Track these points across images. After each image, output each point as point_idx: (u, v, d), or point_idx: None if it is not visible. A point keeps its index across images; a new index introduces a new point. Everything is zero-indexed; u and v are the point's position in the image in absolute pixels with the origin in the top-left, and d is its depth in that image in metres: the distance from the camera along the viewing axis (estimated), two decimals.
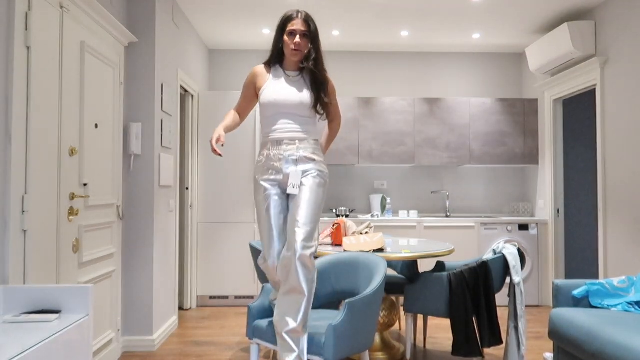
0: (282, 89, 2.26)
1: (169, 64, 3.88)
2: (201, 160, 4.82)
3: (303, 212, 2.13)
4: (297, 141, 2.23)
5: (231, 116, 2.37)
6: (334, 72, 5.94)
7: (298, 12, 2.27)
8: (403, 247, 3.15)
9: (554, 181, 4.87)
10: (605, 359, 2.21)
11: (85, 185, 2.73)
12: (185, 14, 4.36)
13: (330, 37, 5.02)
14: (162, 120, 3.64)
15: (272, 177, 2.23)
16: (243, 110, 2.41)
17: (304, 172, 2.21)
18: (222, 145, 2.17)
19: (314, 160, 2.25)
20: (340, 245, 3.23)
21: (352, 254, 2.80)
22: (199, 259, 4.80)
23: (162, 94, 3.64)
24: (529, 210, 5.28)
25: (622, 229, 3.84)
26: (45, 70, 2.31)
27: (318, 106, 2.29)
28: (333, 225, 3.32)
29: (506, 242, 4.82)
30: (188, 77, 4.44)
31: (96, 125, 2.90)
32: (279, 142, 2.23)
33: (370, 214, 5.17)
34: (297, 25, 2.23)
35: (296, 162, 2.22)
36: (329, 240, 3.35)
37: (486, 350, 3.43)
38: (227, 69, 5.47)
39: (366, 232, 3.41)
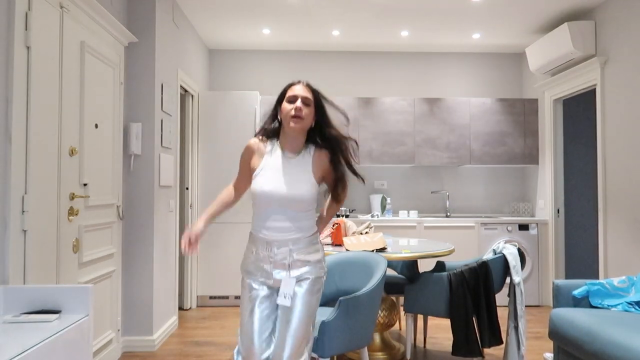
0: (276, 177, 1.90)
1: (169, 64, 3.87)
2: (201, 160, 4.82)
3: (293, 326, 1.87)
4: (289, 243, 1.88)
5: (223, 197, 2.06)
6: (334, 72, 5.96)
7: (300, 81, 1.98)
8: (403, 247, 3.15)
9: (554, 181, 4.87)
10: (605, 359, 2.21)
11: (85, 185, 2.73)
12: (185, 13, 4.36)
13: (330, 37, 5.02)
14: (162, 120, 3.64)
15: (262, 279, 1.93)
16: (241, 187, 2.08)
17: (297, 277, 1.89)
18: (197, 241, 1.89)
19: (309, 262, 1.91)
20: (340, 245, 3.23)
21: (356, 253, 2.81)
22: (199, 259, 4.80)
23: (162, 94, 3.64)
24: (529, 210, 5.28)
25: (622, 228, 3.84)
26: (45, 70, 2.31)
27: (326, 195, 2.02)
28: (333, 225, 3.32)
29: (506, 242, 4.81)
30: (188, 77, 4.44)
31: (96, 125, 2.90)
32: (269, 244, 1.89)
33: (370, 214, 5.17)
34: (298, 90, 1.92)
35: (289, 266, 1.89)
36: (329, 240, 3.36)
37: (486, 350, 3.43)
38: (227, 69, 5.47)
39: (366, 232, 3.41)
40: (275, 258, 1.89)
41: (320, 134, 1.96)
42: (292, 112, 1.87)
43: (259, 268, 1.92)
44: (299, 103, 1.87)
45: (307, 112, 1.89)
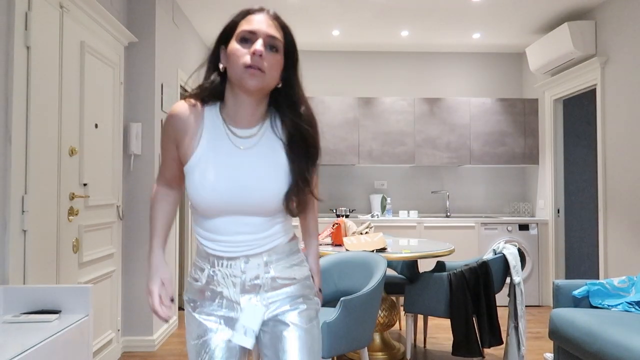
0: (225, 173, 1.16)
1: (169, 64, 3.87)
2: None
3: None
4: (263, 255, 1.21)
5: (161, 208, 1.33)
6: (334, 72, 5.97)
7: (262, 7, 1.20)
8: (403, 247, 3.15)
9: (554, 181, 4.87)
10: (605, 359, 2.21)
11: (85, 185, 2.73)
12: (185, 13, 4.36)
13: (330, 37, 5.02)
14: (162, 120, 3.64)
15: (221, 311, 1.21)
16: (174, 180, 1.31)
17: (279, 305, 1.23)
18: (172, 301, 1.27)
19: (294, 279, 1.25)
20: (340, 245, 3.23)
21: (355, 253, 2.80)
22: None
23: (162, 93, 3.64)
24: (529, 210, 5.28)
25: (622, 228, 3.84)
26: (45, 70, 2.31)
27: (294, 199, 1.20)
28: (333, 226, 3.32)
29: (506, 242, 4.81)
30: (188, 77, 4.44)
31: (96, 125, 2.90)
32: (230, 259, 1.20)
33: (370, 214, 5.17)
34: (259, 23, 1.14)
35: (261, 288, 1.21)
36: (329, 240, 3.36)
37: (486, 350, 3.43)
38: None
39: (366, 232, 3.41)
40: (243, 277, 1.20)
41: (287, 103, 1.20)
42: (248, 60, 1.10)
43: (216, 294, 1.21)
44: (259, 45, 1.10)
45: (273, 62, 1.13)
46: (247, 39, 1.12)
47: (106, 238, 3.07)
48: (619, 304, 2.67)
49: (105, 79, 3.04)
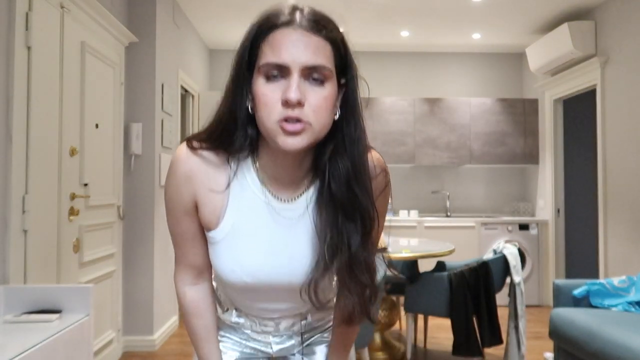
0: (261, 251, 0.89)
1: (170, 64, 3.88)
2: None
3: None
4: (299, 316, 1.01)
5: (205, 330, 0.98)
6: None
7: (292, 16, 0.79)
8: (403, 247, 3.15)
9: (554, 181, 4.87)
10: (605, 358, 2.21)
11: (85, 185, 2.74)
12: (185, 14, 4.36)
13: None
14: (162, 121, 3.64)
15: (252, 345, 1.05)
16: (206, 260, 0.95)
17: (314, 339, 1.06)
18: None
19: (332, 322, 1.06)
20: None
21: None
22: None
23: (162, 94, 3.64)
24: (529, 210, 5.28)
25: (622, 228, 3.84)
26: (46, 70, 2.32)
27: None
28: None
29: (506, 242, 4.81)
30: (188, 77, 4.44)
31: (97, 125, 2.90)
32: (261, 319, 1.01)
33: None
34: (288, 50, 0.76)
35: (301, 335, 1.05)
36: None
37: (486, 350, 3.43)
38: (227, 69, 5.46)
39: None
40: (276, 327, 1.02)
41: (341, 147, 0.84)
42: (281, 114, 0.76)
43: (248, 338, 1.04)
44: (293, 90, 0.75)
45: (320, 102, 0.77)
46: (276, 75, 0.77)
47: (107, 238, 3.08)
48: (619, 304, 2.67)
49: (106, 79, 3.04)
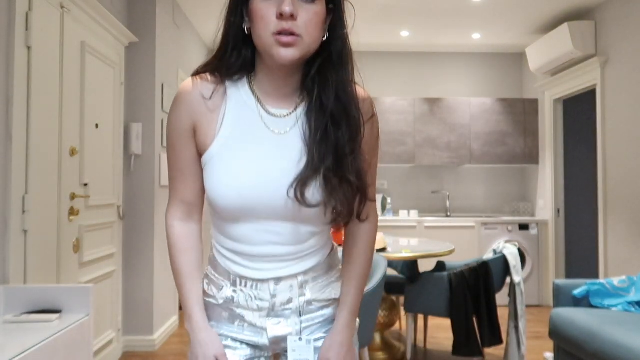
0: (253, 163, 0.92)
1: (170, 64, 3.88)
2: None
3: None
4: (298, 277, 0.98)
5: (189, 264, 1.01)
6: None
7: None
8: (403, 247, 3.15)
9: (554, 181, 4.87)
10: (605, 359, 2.21)
11: (85, 185, 2.74)
12: (185, 14, 4.36)
13: None
14: (162, 121, 3.64)
15: (243, 334, 1.00)
16: (199, 194, 1.01)
17: (313, 330, 1.01)
18: None
19: (332, 299, 1.03)
20: (340, 245, 3.23)
21: None
22: None
23: (162, 94, 3.64)
24: (529, 210, 5.28)
25: (622, 228, 3.84)
26: (46, 70, 2.32)
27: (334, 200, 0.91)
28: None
29: (506, 242, 4.81)
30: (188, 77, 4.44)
31: (97, 126, 2.90)
32: (254, 281, 0.97)
33: None
34: None
35: (292, 312, 0.99)
36: None
37: (486, 350, 3.43)
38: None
39: None
40: (272, 301, 0.97)
41: (333, 63, 0.92)
42: (276, 26, 0.84)
43: (235, 317, 0.99)
44: (287, 3, 0.83)
45: (311, 17, 0.86)
46: None
47: (107, 238, 3.08)
48: (618, 304, 2.67)
49: (106, 79, 3.04)
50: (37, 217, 2.22)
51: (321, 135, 0.90)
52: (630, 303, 2.64)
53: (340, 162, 0.90)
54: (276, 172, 0.91)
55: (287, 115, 0.94)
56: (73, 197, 2.59)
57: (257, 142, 0.92)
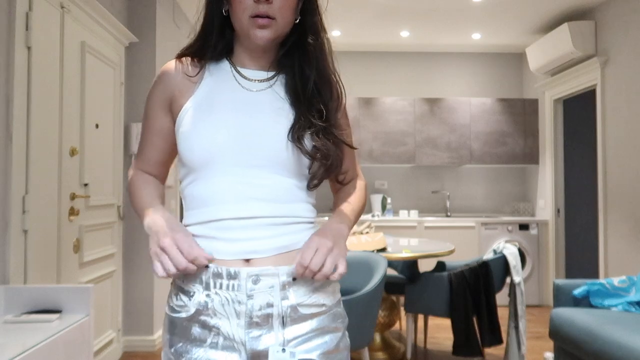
0: (227, 111, 0.94)
1: None
2: None
3: None
4: (280, 276, 0.89)
5: (148, 192, 1.01)
6: None
7: None
8: (403, 247, 3.15)
9: (554, 181, 4.87)
10: (605, 358, 2.21)
11: (85, 185, 2.74)
12: (185, 14, 4.36)
13: (331, 38, 5.01)
14: None
15: (216, 354, 0.88)
16: (160, 161, 1.06)
17: (299, 343, 0.89)
18: (210, 261, 0.87)
19: (322, 305, 0.93)
20: None
21: (357, 253, 2.81)
22: None
23: None
24: (529, 210, 5.28)
25: (622, 228, 3.84)
26: (46, 70, 2.32)
27: (318, 153, 0.93)
28: None
29: (507, 242, 4.81)
30: None
31: (97, 126, 2.90)
32: (229, 277, 0.87)
33: (370, 214, 5.17)
34: None
35: (275, 320, 0.88)
36: None
37: (486, 350, 3.43)
38: None
39: (366, 232, 3.41)
40: (249, 304, 0.87)
41: (305, 38, 1.00)
42: (252, 9, 0.90)
43: (208, 330, 0.89)
44: None
45: (285, 0, 0.92)
46: None
47: (107, 238, 3.08)
48: (619, 304, 2.67)
49: (106, 79, 3.04)
50: (37, 217, 2.22)
51: (308, 94, 0.97)
52: (630, 303, 2.64)
53: (327, 118, 0.97)
54: (252, 122, 0.93)
55: (264, 80, 0.99)
56: (73, 197, 2.59)
57: (230, 95, 0.96)
